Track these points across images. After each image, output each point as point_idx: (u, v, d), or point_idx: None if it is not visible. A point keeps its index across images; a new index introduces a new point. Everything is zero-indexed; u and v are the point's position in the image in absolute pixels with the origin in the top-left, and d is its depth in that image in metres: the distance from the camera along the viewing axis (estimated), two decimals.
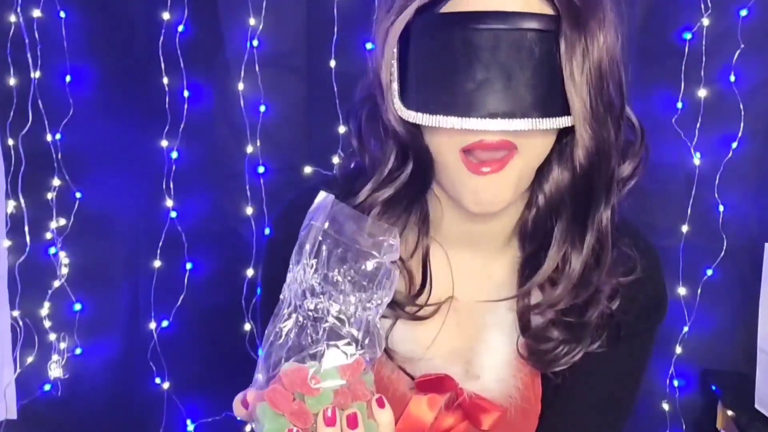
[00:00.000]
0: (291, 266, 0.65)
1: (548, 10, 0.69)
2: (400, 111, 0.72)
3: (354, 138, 0.82)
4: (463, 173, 0.71)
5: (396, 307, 0.79)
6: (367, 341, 0.65)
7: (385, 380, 0.82)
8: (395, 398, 0.81)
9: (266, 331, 0.65)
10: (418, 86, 0.71)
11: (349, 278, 0.64)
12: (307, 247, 0.64)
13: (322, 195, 0.67)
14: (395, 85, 0.72)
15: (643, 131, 0.78)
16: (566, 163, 0.74)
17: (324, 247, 0.64)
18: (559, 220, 0.77)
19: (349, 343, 0.64)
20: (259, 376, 0.64)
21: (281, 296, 0.66)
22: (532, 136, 0.70)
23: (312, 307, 0.64)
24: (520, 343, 0.81)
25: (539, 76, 0.68)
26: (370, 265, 0.64)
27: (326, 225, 0.64)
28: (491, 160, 0.70)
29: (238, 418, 0.67)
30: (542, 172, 0.76)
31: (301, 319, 0.64)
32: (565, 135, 0.73)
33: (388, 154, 0.77)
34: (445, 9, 0.70)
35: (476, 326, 0.83)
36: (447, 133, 0.70)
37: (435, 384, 0.81)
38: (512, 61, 0.67)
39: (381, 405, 0.64)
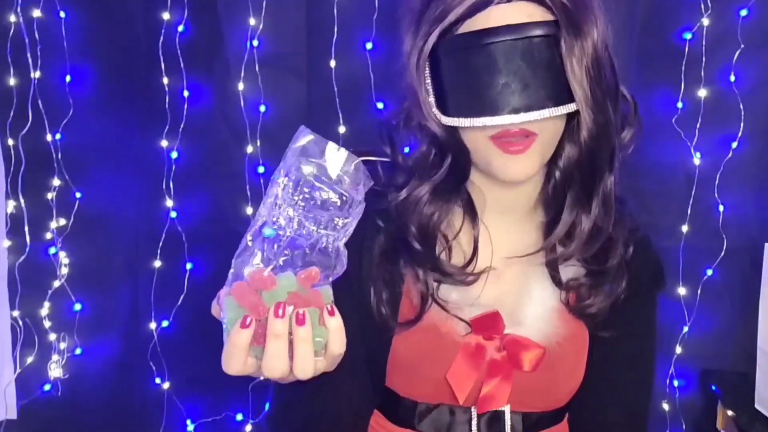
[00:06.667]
0: (270, 184, 0.73)
1: (549, 17, 0.82)
2: (440, 118, 0.87)
3: (387, 146, 0.96)
4: (494, 152, 0.86)
5: (444, 276, 0.93)
6: (330, 259, 0.73)
7: (440, 331, 0.94)
8: (450, 343, 0.94)
9: (241, 241, 0.73)
10: (451, 96, 0.86)
11: (313, 201, 0.72)
12: (284, 169, 0.73)
13: (304, 130, 0.75)
14: (431, 99, 0.87)
15: (635, 102, 0.92)
16: (574, 142, 0.88)
17: (300, 171, 0.72)
18: (571, 189, 0.92)
19: (306, 255, 0.72)
20: (230, 279, 0.73)
21: (258, 211, 0.73)
22: (547, 122, 0.84)
23: (282, 222, 0.72)
24: (562, 296, 0.96)
25: (547, 73, 0.82)
26: (332, 195, 0.72)
27: (304, 153, 0.73)
28: (516, 142, 0.85)
29: (214, 315, 0.75)
30: (557, 150, 0.90)
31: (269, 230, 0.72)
32: (572, 118, 0.87)
33: (427, 154, 0.93)
34: (463, 30, 0.83)
35: (518, 284, 0.96)
36: (478, 128, 0.85)
37: (488, 321, 0.93)
38: (524, 64, 0.81)
39: (331, 313, 0.70)
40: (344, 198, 0.73)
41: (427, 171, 0.92)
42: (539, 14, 0.82)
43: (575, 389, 0.99)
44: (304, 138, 0.74)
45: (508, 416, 0.97)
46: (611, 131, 0.87)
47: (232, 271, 0.72)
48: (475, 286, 0.94)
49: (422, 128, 0.90)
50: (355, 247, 0.85)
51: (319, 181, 0.72)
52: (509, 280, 0.96)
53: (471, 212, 0.95)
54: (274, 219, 0.72)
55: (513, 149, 0.84)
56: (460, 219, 0.95)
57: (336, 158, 0.73)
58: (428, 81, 0.87)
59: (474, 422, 0.97)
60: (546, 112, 0.82)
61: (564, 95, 0.83)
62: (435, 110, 0.87)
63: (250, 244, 0.72)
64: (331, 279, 0.74)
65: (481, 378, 0.94)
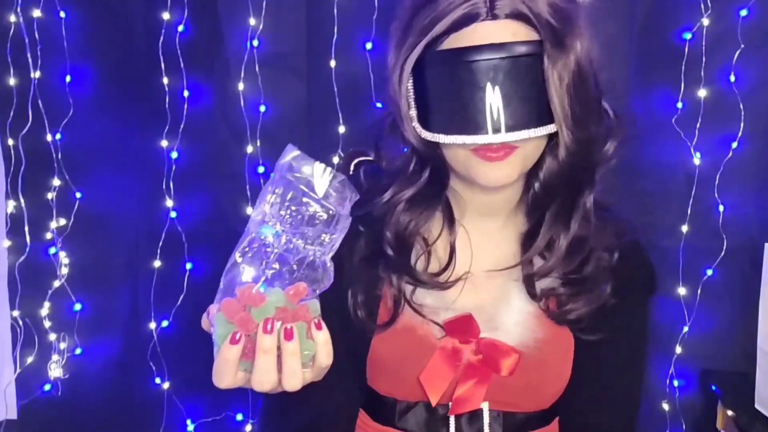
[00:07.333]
0: (257, 202, 0.76)
1: (534, 36, 0.82)
2: (420, 132, 0.87)
3: (372, 150, 0.99)
4: (474, 161, 0.86)
5: (419, 283, 0.93)
6: (317, 274, 0.75)
7: (417, 334, 0.94)
8: (427, 346, 0.95)
9: (230, 258, 0.75)
10: (433, 111, 0.85)
11: (300, 216, 0.74)
12: (271, 186, 0.75)
13: (291, 148, 0.76)
14: (413, 112, 0.87)
15: (618, 115, 0.92)
16: (555, 157, 0.89)
17: (288, 188, 0.74)
18: (552, 204, 0.93)
19: (294, 271, 0.74)
20: (219, 295, 0.75)
21: (246, 227, 0.76)
22: (529, 138, 0.83)
23: (270, 239, 0.74)
24: (542, 303, 0.95)
25: (530, 92, 0.82)
26: (319, 210, 0.74)
27: (291, 169, 0.75)
28: (497, 149, 0.84)
29: (204, 328, 0.77)
30: (538, 162, 0.90)
31: (256, 245, 0.74)
32: (555, 134, 0.86)
33: (409, 161, 0.93)
34: (447, 45, 0.83)
35: (495, 292, 0.96)
36: (459, 145, 0.85)
37: (461, 324, 0.93)
38: (507, 83, 0.81)
39: (318, 327, 0.73)
40: (331, 212, 0.74)
41: (408, 178, 0.93)
42: (524, 33, 0.81)
43: (560, 391, 0.99)
44: (290, 154, 0.75)
45: (486, 414, 0.97)
46: (592, 149, 0.88)
47: (221, 287, 0.74)
48: (451, 291, 0.94)
49: (404, 137, 0.90)
50: (336, 251, 0.86)
51: (306, 196, 0.74)
52: (487, 288, 0.96)
53: (450, 218, 0.96)
54: (262, 237, 0.74)
55: (493, 156, 0.84)
56: (439, 225, 0.96)
57: (322, 177, 0.75)
58: (410, 94, 0.87)
59: (452, 420, 0.97)
60: (525, 133, 0.82)
61: (546, 114, 0.83)
62: (416, 124, 0.87)
63: (239, 260, 0.74)
64: (317, 293, 0.75)
65: (456, 380, 0.94)
